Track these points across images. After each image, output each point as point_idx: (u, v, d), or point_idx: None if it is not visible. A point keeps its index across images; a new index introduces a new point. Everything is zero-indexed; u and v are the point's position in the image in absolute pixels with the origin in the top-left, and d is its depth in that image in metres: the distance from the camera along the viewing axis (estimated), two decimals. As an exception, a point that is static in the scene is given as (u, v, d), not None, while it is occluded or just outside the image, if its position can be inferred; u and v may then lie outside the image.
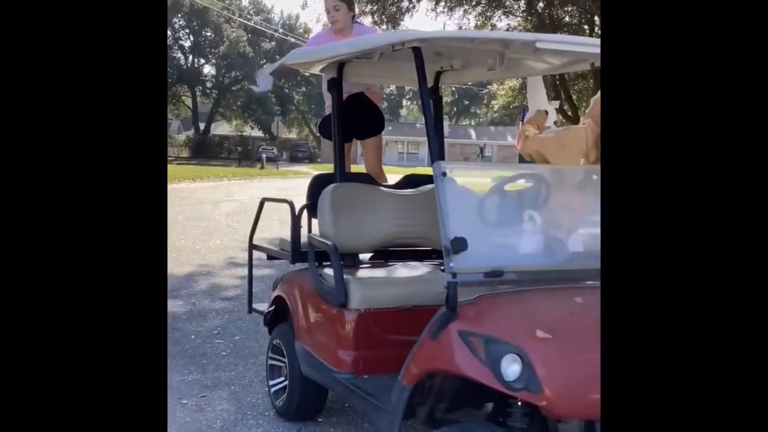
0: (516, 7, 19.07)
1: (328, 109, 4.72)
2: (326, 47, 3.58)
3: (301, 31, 53.32)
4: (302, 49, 4.02)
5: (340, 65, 3.65)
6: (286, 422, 3.82)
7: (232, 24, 52.17)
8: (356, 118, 4.59)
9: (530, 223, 2.96)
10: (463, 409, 3.01)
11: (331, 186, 3.72)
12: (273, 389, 3.96)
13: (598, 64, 3.19)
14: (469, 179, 3.10)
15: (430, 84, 3.89)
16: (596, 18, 16.01)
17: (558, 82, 21.17)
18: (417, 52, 2.76)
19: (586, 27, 17.21)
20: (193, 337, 5.46)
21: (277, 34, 53.13)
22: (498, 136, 56.73)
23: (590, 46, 2.86)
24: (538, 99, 4.04)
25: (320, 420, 3.87)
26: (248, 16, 55.31)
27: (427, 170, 4.04)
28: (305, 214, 4.08)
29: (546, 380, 2.33)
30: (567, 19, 18.64)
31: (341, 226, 3.59)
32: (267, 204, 4.32)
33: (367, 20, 16.92)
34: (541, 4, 18.33)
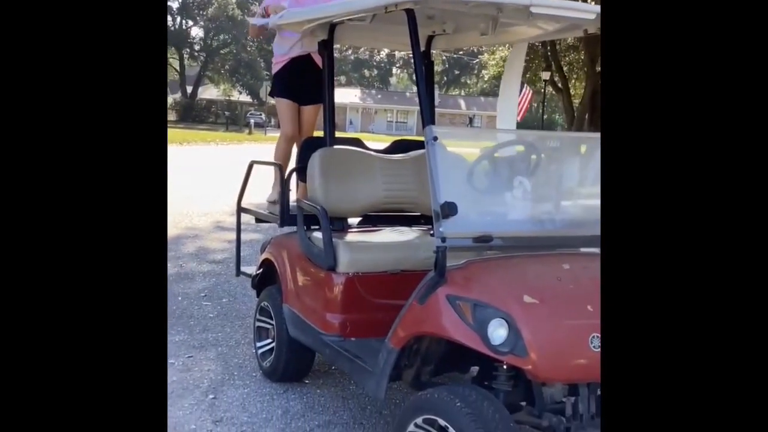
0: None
1: (274, 66, 4.74)
2: (318, 8, 3.53)
3: (291, -6, 52.51)
4: (293, 9, 3.95)
5: (332, 27, 3.61)
6: (273, 383, 3.85)
7: (221, -15, 51.33)
8: (302, 82, 4.58)
9: (520, 189, 2.97)
10: (449, 372, 3.05)
11: (321, 150, 3.70)
12: (260, 351, 3.98)
13: (591, 30, 3.17)
14: (460, 149, 3.09)
15: (421, 49, 3.85)
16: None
17: (549, 53, 21.08)
18: (410, 14, 2.73)
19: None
20: (180, 298, 5.47)
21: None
22: (488, 107, 56.49)
23: (585, 11, 2.83)
24: (513, 74, 3.96)
25: (307, 381, 3.91)
26: (237, -22, 54.41)
27: (417, 138, 4.03)
28: (294, 178, 4.06)
29: (532, 344, 2.37)
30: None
31: (330, 190, 3.58)
32: (256, 168, 4.29)
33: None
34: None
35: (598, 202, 2.97)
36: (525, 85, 21.83)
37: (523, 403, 2.68)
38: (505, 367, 2.55)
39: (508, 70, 4.04)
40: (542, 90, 25.99)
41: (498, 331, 2.40)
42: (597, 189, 3.09)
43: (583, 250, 2.93)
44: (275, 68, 4.72)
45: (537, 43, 20.30)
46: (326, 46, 3.76)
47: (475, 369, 3.00)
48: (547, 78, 23.17)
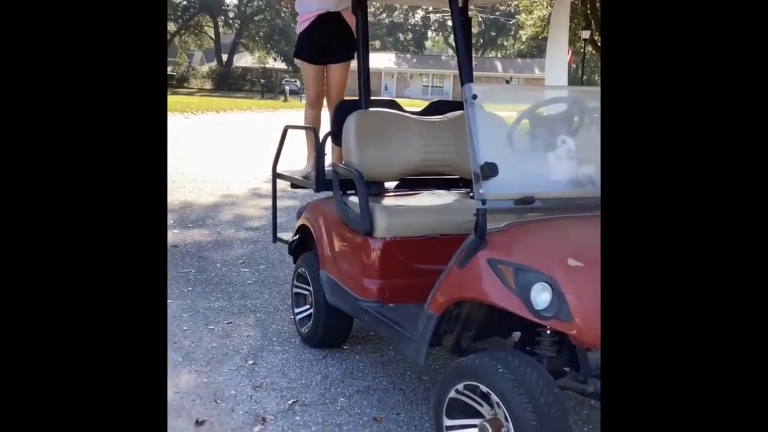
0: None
1: (300, 25, 4.42)
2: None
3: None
4: None
5: (366, -16, 3.50)
6: (312, 349, 3.84)
7: (254, -49, 51.01)
8: (329, 41, 4.31)
9: (563, 149, 2.86)
10: (490, 338, 2.98)
11: (356, 113, 3.62)
12: (298, 317, 3.97)
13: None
14: (500, 112, 2.98)
15: (459, 4, 3.72)
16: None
17: (589, 11, 20.50)
18: None
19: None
20: (218, 265, 5.49)
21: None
22: (525, 69, 55.55)
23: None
24: (559, 30, 3.80)
25: (345, 347, 3.89)
26: (270, -58, 53.97)
27: (455, 100, 3.90)
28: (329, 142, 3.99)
29: (576, 309, 2.28)
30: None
31: (366, 154, 3.51)
32: (291, 133, 4.23)
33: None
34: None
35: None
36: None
37: (567, 369, 2.61)
38: (548, 332, 2.48)
39: (554, 26, 3.89)
40: (582, 50, 25.38)
41: (541, 296, 2.32)
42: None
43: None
44: (300, 27, 4.42)
45: (576, 1, 19.72)
46: (360, 5, 3.65)
47: (517, 334, 2.94)
48: (587, 37, 22.59)
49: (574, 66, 32.84)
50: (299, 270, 3.95)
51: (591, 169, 2.97)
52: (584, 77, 32.82)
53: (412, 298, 3.10)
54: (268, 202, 6.06)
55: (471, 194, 2.59)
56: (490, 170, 2.44)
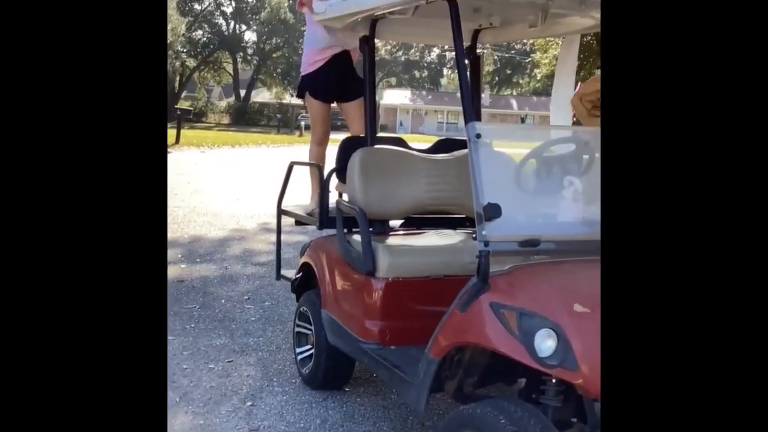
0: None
1: (308, 66, 4.42)
2: (358, 1, 3.39)
3: (343, -3, 52.81)
4: (333, 2, 3.80)
5: (373, 22, 3.47)
6: (312, 391, 3.74)
7: (274, -10, 51.92)
8: (341, 79, 4.34)
9: (570, 190, 2.78)
10: (493, 384, 2.88)
11: (361, 150, 3.57)
12: (299, 357, 3.87)
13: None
14: (509, 150, 2.92)
15: (467, 43, 3.69)
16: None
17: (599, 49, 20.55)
18: (453, 5, 2.58)
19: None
20: (223, 301, 5.42)
21: (318, 0, 52.75)
22: (540, 107, 55.67)
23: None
24: (566, 70, 3.76)
25: (347, 389, 3.79)
26: (290, -18, 54.99)
27: (462, 137, 3.85)
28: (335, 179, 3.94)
29: (583, 357, 2.18)
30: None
31: (370, 191, 3.45)
32: (301, 171, 4.19)
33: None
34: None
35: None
36: (579, 83, 21.36)
37: (574, 420, 2.50)
38: (554, 380, 2.37)
39: (561, 66, 3.84)
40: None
41: (546, 343, 2.23)
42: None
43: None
44: (311, 67, 4.41)
45: (591, 38, 19.81)
46: (367, 42, 3.62)
47: (522, 381, 2.82)
48: (601, 76, 22.63)
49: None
50: (301, 309, 3.87)
51: (598, 211, 2.88)
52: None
53: (414, 341, 3.00)
54: (273, 237, 6.01)
55: (476, 235, 2.51)
56: (492, 211, 2.37)
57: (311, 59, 4.41)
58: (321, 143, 4.52)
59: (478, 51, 3.85)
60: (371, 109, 3.74)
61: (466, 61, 3.60)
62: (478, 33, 3.77)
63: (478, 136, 2.47)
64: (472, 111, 2.60)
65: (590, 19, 3.24)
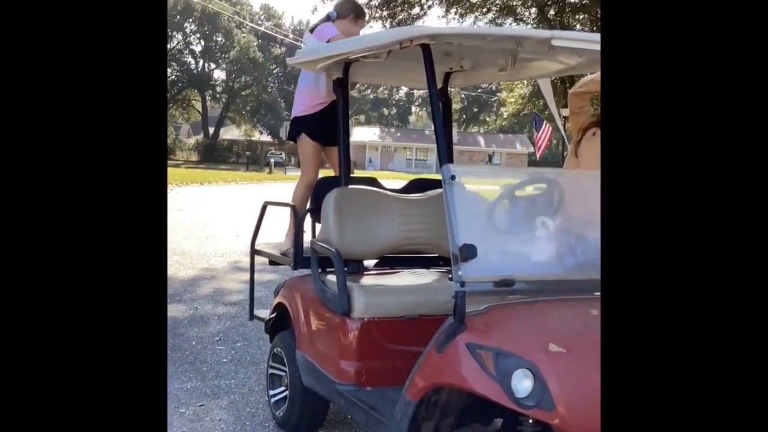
0: (527, 14, 18.99)
1: (308, 108, 4.36)
2: (332, 45, 3.46)
3: (312, 36, 53.36)
4: (306, 48, 3.84)
5: (346, 65, 3.53)
6: (286, 434, 3.68)
7: (243, 29, 52.34)
8: (331, 123, 4.20)
9: (542, 230, 2.83)
10: (470, 425, 2.87)
11: (335, 190, 3.59)
12: (273, 399, 3.82)
13: (615, 64, 3.05)
14: (479, 186, 2.97)
15: (439, 86, 3.76)
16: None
17: (568, 89, 21.06)
18: (426, 50, 2.64)
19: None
20: (194, 343, 5.34)
21: (287, 39, 53.23)
22: (507, 144, 56.54)
23: (608, 44, 2.72)
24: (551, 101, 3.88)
25: (321, 432, 3.74)
26: (259, 22, 55.49)
27: (436, 176, 3.90)
28: (309, 218, 3.94)
29: (559, 397, 2.20)
30: (578, 27, 18.54)
31: (345, 231, 3.46)
32: (273, 208, 4.19)
33: (377, 26, 16.87)
34: (552, 12, 18.23)
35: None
36: (545, 122, 21.77)
37: (551, 460, 2.50)
38: (530, 420, 2.38)
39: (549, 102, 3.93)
40: (562, 126, 25.93)
41: (522, 383, 2.24)
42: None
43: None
44: (312, 109, 4.35)
45: (556, 80, 20.30)
46: (341, 84, 3.67)
47: (498, 421, 2.82)
48: (567, 115, 23.11)
49: (555, 142, 33.46)
50: (275, 350, 3.83)
51: (573, 250, 2.94)
52: (565, 152, 33.39)
53: (390, 381, 2.99)
54: (247, 276, 5.96)
55: (451, 275, 2.53)
56: (468, 252, 2.39)
57: (313, 101, 4.34)
58: (310, 186, 4.47)
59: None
60: (345, 150, 3.77)
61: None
62: (449, 76, 3.85)
63: (453, 177, 2.50)
64: (446, 153, 2.65)
65: (558, 64, 3.34)
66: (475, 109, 65.05)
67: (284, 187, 26.28)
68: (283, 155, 48.17)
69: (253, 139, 56.88)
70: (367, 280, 3.49)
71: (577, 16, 18.34)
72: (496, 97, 47.12)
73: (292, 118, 4.61)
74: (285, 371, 3.69)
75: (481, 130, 65.41)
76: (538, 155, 22.42)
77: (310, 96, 4.38)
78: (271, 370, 3.87)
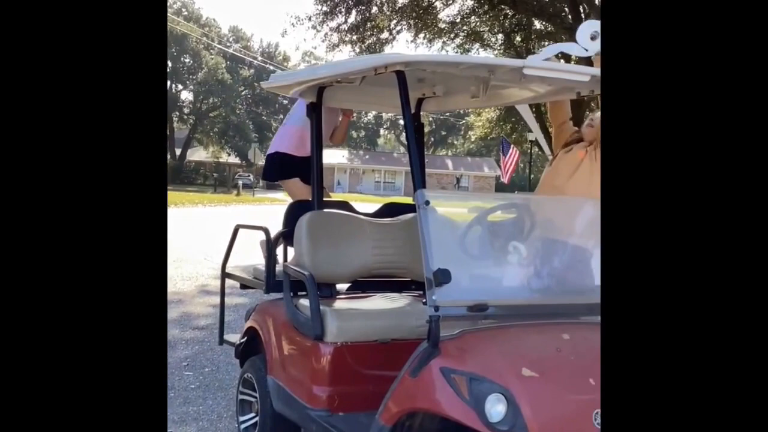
0: (494, 41, 19.31)
1: (301, 150, 4.34)
2: (306, 70, 3.48)
3: (280, 58, 53.53)
4: (281, 72, 3.86)
5: (320, 89, 3.55)
6: (257, 461, 3.63)
7: (211, 51, 52.24)
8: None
9: (514, 255, 2.86)
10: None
11: (309, 213, 3.59)
12: (243, 426, 3.77)
13: (584, 93, 3.13)
14: (446, 209, 3.00)
15: (411, 111, 3.80)
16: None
17: (534, 115, 21.38)
18: (401, 76, 2.67)
19: (561, 62, 17.42)
20: (161, 368, 5.24)
21: (256, 61, 53.27)
22: (474, 167, 57.09)
23: (579, 74, 2.78)
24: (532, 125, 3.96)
25: (292, 459, 3.69)
26: (227, 44, 55.47)
27: (405, 199, 3.93)
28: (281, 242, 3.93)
29: (532, 422, 2.22)
30: (544, 53, 18.89)
31: (318, 255, 3.46)
32: (242, 231, 4.16)
33: (346, 50, 16.98)
34: (518, 39, 18.57)
35: (596, 267, 2.88)
36: (512, 146, 22.09)
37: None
38: (504, 445, 2.39)
39: (532, 127, 3.99)
40: (529, 150, 26.29)
41: (496, 407, 2.26)
42: (595, 253, 3.00)
43: (583, 319, 2.81)
44: (301, 153, 4.36)
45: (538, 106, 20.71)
46: (315, 109, 3.69)
47: (472, 446, 2.83)
48: (533, 139, 23.46)
49: (522, 165, 33.92)
50: (246, 375, 3.79)
51: (545, 274, 2.98)
52: (531, 176, 33.87)
53: (363, 406, 2.98)
54: (216, 300, 5.90)
55: (424, 299, 2.54)
56: (442, 277, 2.41)
57: (306, 145, 4.22)
58: None
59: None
60: (318, 174, 3.78)
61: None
62: (422, 101, 3.90)
63: (427, 203, 2.52)
64: (421, 178, 2.67)
65: (529, 92, 3.41)
66: (443, 133, 65.64)
67: (253, 209, 26.14)
68: (251, 177, 47.98)
69: (220, 160, 56.55)
70: (339, 304, 3.49)
71: (542, 43, 18.72)
72: (464, 121, 47.64)
73: (274, 152, 4.56)
74: (255, 397, 3.65)
75: (449, 153, 66.00)
76: (505, 179, 22.71)
77: (302, 139, 4.34)
78: (241, 396, 3.83)
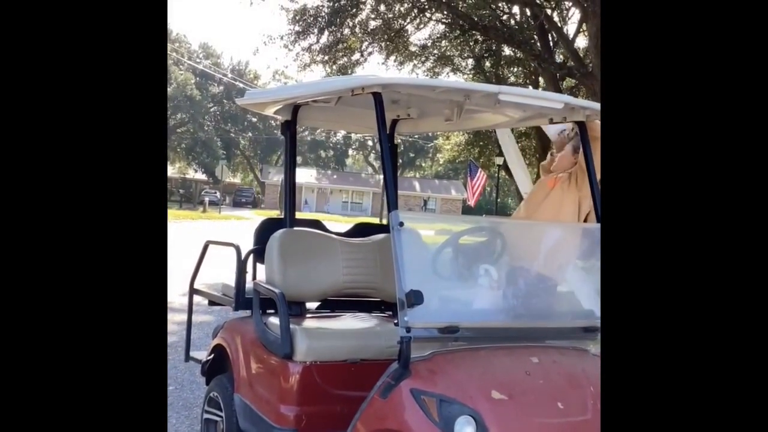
0: (464, 65, 19.56)
1: None
2: (283, 88, 3.49)
3: (251, 76, 53.43)
4: (257, 89, 3.88)
5: (296, 108, 3.56)
6: (220, 481, 3.57)
7: (181, 66, 51.91)
8: None
9: (486, 278, 2.89)
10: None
11: (281, 231, 3.58)
12: (207, 445, 3.72)
13: (557, 119, 3.19)
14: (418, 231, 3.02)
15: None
16: (540, 79, 16.51)
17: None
18: (377, 97, 2.70)
19: (530, 87, 17.72)
20: (122, 385, 5.14)
21: (225, 78, 53.07)
22: (442, 189, 57.43)
23: (553, 101, 2.84)
24: (511, 153, 3.97)
25: (256, 479, 3.64)
26: (197, 60, 55.19)
27: (372, 220, 3.94)
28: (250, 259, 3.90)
29: (501, 444, 2.23)
30: (512, 79, 19.19)
31: (289, 273, 3.45)
32: (209, 247, 4.13)
33: (318, 69, 17.02)
34: (488, 64, 18.83)
35: (567, 290, 2.92)
36: (480, 169, 22.29)
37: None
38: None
39: (506, 152, 4.00)
40: (496, 174, 26.56)
41: (465, 430, 2.28)
42: (564, 277, 3.04)
43: (552, 342, 2.84)
44: None
45: (491, 130, 20.93)
46: (289, 127, 3.70)
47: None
48: (501, 163, 23.72)
49: (489, 189, 34.27)
50: (211, 394, 3.74)
51: (515, 298, 3.01)
52: (498, 199, 34.18)
53: (331, 427, 2.97)
54: (181, 317, 5.82)
55: (395, 320, 2.54)
56: (415, 298, 2.42)
57: None
58: None
59: None
60: (291, 192, 3.78)
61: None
62: (395, 123, 3.93)
63: (401, 224, 2.53)
64: (395, 198, 2.69)
65: (502, 117, 3.46)
66: (412, 155, 66.02)
67: (219, 225, 25.87)
68: (218, 194, 47.59)
69: (187, 177, 56.01)
70: (309, 322, 3.47)
71: (511, 69, 19.01)
72: (432, 144, 47.97)
73: None
74: (221, 416, 3.59)
75: (417, 175, 66.34)
76: (471, 202, 22.90)
77: None
78: (206, 415, 3.77)
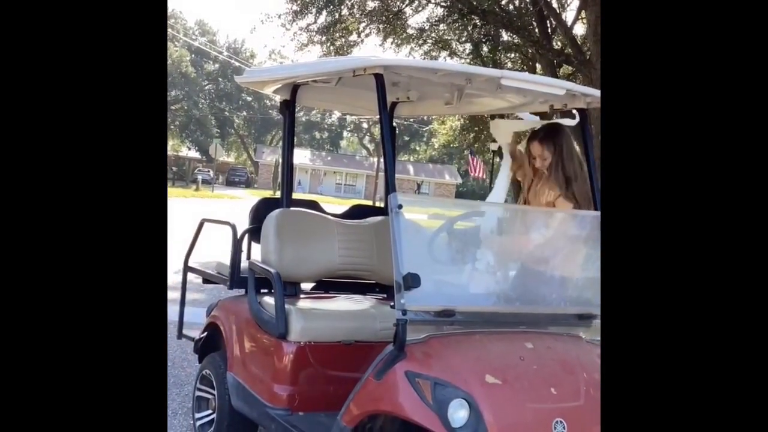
0: (462, 49, 19.46)
1: None
2: (284, 67, 3.47)
3: (247, 55, 53.05)
4: (257, 67, 3.86)
5: (295, 87, 3.54)
6: (211, 459, 3.58)
7: (176, 43, 51.46)
8: None
9: (482, 262, 2.89)
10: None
11: (278, 210, 3.57)
12: (199, 423, 3.72)
13: (557, 106, 3.18)
14: (412, 215, 3.02)
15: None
16: (537, 65, 16.46)
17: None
18: (379, 79, 2.68)
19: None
20: (114, 361, 5.14)
21: (221, 56, 52.71)
22: (436, 174, 57.41)
23: (555, 87, 2.83)
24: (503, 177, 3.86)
25: (248, 457, 3.65)
26: (193, 37, 54.75)
27: (366, 202, 3.92)
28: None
29: (494, 427, 2.26)
30: (509, 65, 19.12)
31: (285, 253, 3.44)
32: (206, 226, 4.11)
33: (315, 50, 16.91)
34: (485, 49, 18.75)
35: (561, 277, 2.92)
36: (476, 156, 22.33)
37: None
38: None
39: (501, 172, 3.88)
40: (491, 160, 26.57)
41: (458, 413, 2.29)
42: (561, 263, 3.05)
43: (546, 328, 2.85)
44: None
45: (486, 116, 20.87)
46: (288, 106, 3.67)
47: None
48: (495, 149, 23.70)
49: (484, 176, 34.26)
50: (204, 372, 3.74)
51: (511, 283, 3.02)
52: (492, 185, 34.18)
53: (324, 406, 2.98)
54: (173, 294, 5.81)
55: (390, 302, 2.55)
56: (413, 281, 2.42)
57: None
58: None
59: None
60: (288, 171, 3.76)
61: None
62: (395, 105, 3.91)
63: (400, 206, 2.53)
64: (394, 181, 2.68)
65: (503, 102, 3.45)
66: (407, 138, 65.86)
67: (211, 204, 25.82)
68: (211, 173, 47.40)
69: (180, 154, 55.71)
70: (304, 303, 3.47)
71: (508, 55, 18.93)
72: (427, 128, 47.86)
73: None
74: (213, 394, 3.60)
75: (411, 159, 66.25)
76: (474, 174, 22.99)
77: None
78: (198, 393, 3.78)
